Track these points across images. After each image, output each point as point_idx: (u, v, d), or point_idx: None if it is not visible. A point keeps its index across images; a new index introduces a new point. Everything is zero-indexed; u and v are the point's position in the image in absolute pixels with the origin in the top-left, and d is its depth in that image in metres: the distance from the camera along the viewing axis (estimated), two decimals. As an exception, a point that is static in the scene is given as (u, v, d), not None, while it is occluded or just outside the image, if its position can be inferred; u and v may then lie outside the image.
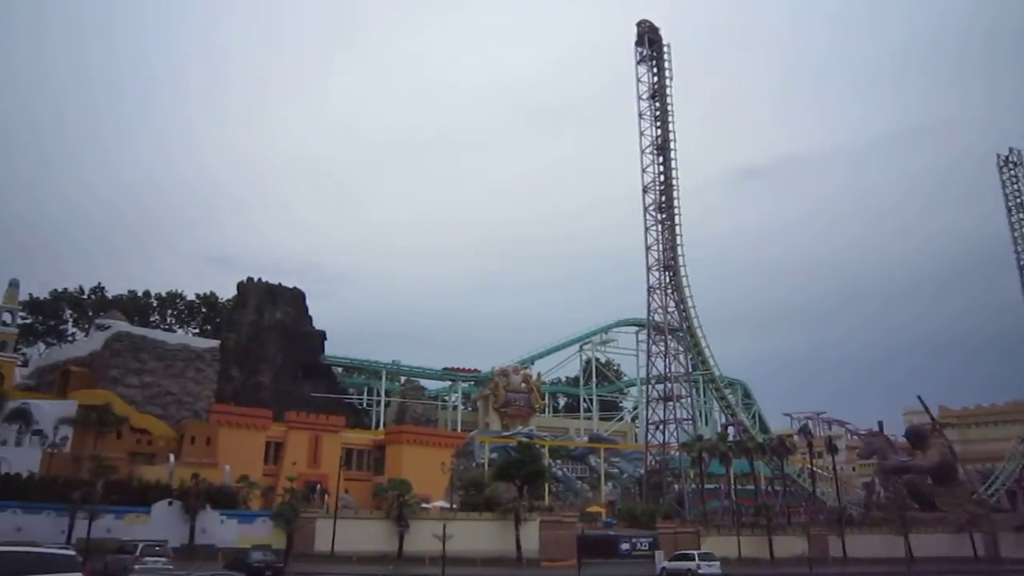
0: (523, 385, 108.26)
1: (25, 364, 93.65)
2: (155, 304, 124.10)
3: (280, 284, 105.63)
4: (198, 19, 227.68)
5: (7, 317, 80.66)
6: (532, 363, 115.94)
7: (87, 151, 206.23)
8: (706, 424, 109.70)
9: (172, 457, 66.47)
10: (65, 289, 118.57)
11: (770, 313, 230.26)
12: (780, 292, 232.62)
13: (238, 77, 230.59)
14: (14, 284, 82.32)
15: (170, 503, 53.84)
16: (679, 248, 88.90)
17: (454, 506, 66.51)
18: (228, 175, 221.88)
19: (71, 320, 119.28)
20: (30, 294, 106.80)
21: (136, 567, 31.34)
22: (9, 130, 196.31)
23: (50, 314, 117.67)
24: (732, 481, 78.50)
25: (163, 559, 36.11)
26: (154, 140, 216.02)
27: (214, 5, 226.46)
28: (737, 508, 71.99)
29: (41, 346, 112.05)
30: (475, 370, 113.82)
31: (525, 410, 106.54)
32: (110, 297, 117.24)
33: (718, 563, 46.64)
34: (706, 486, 76.29)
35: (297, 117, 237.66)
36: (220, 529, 54.47)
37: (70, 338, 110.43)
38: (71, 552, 18.93)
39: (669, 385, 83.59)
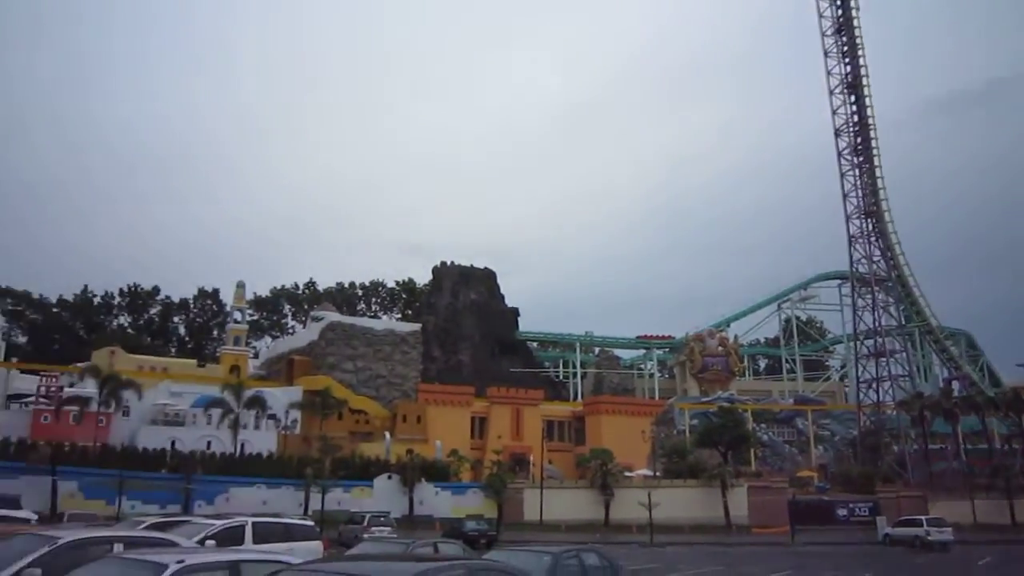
0: (720, 349, 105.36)
1: (256, 356, 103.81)
2: (360, 294, 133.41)
3: (472, 266, 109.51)
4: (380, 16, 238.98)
5: (237, 315, 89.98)
6: (728, 326, 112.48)
7: (292, 159, 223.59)
8: (925, 380, 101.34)
9: (388, 435, 71.29)
10: (283, 286, 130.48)
11: (995, 254, 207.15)
12: (1006, 229, 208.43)
13: (408, 70, 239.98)
14: (240, 286, 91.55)
15: (389, 477, 58.02)
16: (881, 192, 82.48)
17: (657, 474, 66.35)
18: (413, 163, 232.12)
19: (290, 314, 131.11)
20: (254, 293, 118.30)
21: (365, 536, 33.94)
22: (216, 142, 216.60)
23: (272, 309, 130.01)
24: (960, 440, 72.26)
25: (388, 528, 38.92)
26: (345, 140, 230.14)
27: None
28: (969, 470, 66.26)
29: (267, 339, 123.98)
30: (669, 336, 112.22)
31: (724, 374, 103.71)
32: (321, 290, 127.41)
33: (950, 529, 43.13)
34: (930, 446, 70.80)
35: (476, 102, 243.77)
36: (435, 500, 57.96)
37: (291, 330, 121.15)
38: (311, 523, 20.86)
39: (880, 340, 78.03)
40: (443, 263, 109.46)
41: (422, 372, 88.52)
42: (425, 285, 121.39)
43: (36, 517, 36.73)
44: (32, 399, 63.90)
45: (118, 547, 9.74)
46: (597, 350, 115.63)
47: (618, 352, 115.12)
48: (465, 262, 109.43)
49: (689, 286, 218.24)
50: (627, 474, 63.97)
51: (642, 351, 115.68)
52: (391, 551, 14.59)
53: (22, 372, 71.93)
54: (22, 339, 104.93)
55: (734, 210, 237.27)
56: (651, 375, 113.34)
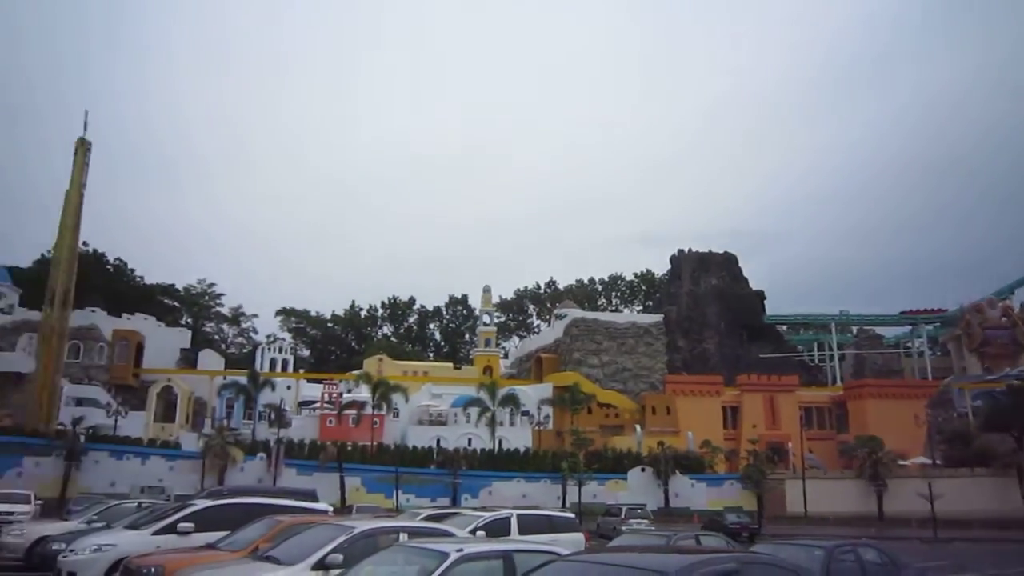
0: (1004, 320, 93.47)
1: (506, 356, 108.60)
2: (600, 289, 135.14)
3: (710, 251, 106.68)
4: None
5: (486, 318, 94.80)
6: (1011, 293, 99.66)
7: (529, 163, 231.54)
8: None
9: (638, 428, 71.40)
10: (525, 287, 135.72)
11: None
12: None
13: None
14: (487, 290, 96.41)
15: (643, 469, 58.13)
16: None
17: (937, 462, 60.40)
18: (640, 153, 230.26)
19: (534, 313, 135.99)
20: (500, 296, 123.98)
21: (623, 528, 34.25)
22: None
23: (517, 310, 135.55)
24: None
25: (645, 521, 39.01)
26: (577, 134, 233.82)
27: None
28: None
29: (515, 339, 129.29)
30: (939, 310, 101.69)
31: (1011, 348, 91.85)
32: (561, 288, 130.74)
33: None
34: None
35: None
36: (691, 492, 57.14)
37: (536, 329, 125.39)
38: (571, 515, 21.47)
39: None
40: (680, 251, 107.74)
41: (667, 363, 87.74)
42: (664, 275, 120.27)
43: (331, 509, 41.10)
44: (317, 405, 71.73)
45: (403, 536, 10.67)
46: (855, 330, 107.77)
47: (879, 330, 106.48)
48: (703, 248, 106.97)
49: (957, 254, 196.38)
50: (901, 463, 58.90)
51: (907, 328, 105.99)
52: (653, 543, 14.56)
53: (308, 381, 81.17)
54: (305, 352, 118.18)
55: (1003, 161, 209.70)
56: (920, 353, 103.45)
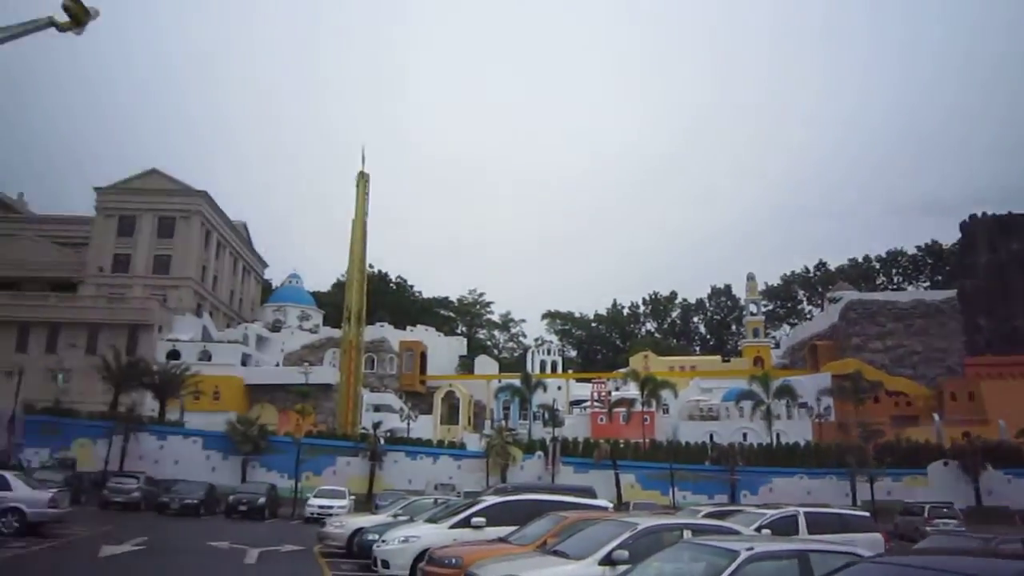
0: None
1: (776, 346, 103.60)
2: (877, 267, 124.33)
3: (1010, 213, 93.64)
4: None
5: (752, 308, 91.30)
6: None
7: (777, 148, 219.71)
8: None
9: (936, 417, 64.62)
10: (793, 272, 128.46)
11: None
12: None
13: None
14: (751, 278, 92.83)
15: (945, 463, 52.37)
16: None
17: None
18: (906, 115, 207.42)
19: (804, 299, 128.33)
20: (765, 283, 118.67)
21: (927, 528, 31.10)
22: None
23: (785, 297, 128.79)
24: None
25: (953, 521, 35.12)
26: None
27: None
28: None
29: (785, 327, 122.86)
30: None
31: None
32: (832, 270, 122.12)
33: None
34: None
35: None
36: (1007, 489, 50.55)
37: (808, 316, 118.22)
38: (866, 514, 19.89)
39: None
40: (973, 216, 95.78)
41: (966, 343, 78.45)
42: (953, 245, 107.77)
43: (612, 506, 41.78)
44: (587, 403, 73.35)
45: (687, 533, 10.51)
46: None
47: None
48: (1000, 210, 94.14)
49: None
50: None
51: None
52: (971, 546, 13.04)
53: (577, 381, 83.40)
54: (572, 353, 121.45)
55: None
56: None
